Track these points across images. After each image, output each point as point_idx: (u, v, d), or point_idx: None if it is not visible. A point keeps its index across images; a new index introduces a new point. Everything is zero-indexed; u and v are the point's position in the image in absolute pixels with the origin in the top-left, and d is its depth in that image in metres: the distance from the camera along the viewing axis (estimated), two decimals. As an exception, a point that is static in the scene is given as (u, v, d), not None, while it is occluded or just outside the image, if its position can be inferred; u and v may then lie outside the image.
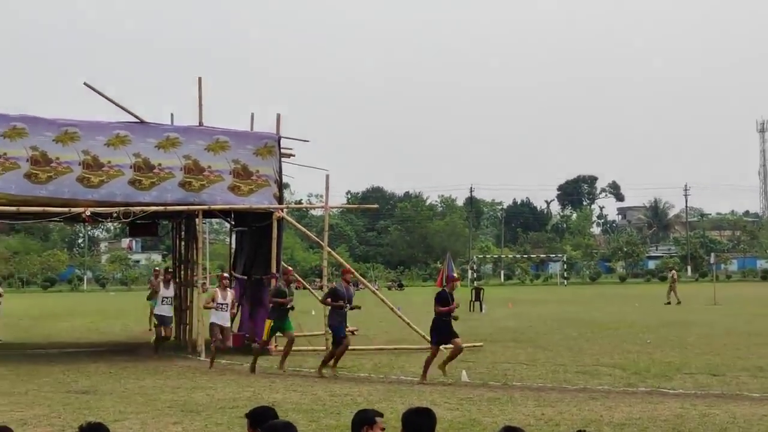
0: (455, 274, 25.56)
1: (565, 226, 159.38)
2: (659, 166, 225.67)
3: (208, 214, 25.75)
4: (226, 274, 25.15)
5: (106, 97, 23.35)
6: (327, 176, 23.16)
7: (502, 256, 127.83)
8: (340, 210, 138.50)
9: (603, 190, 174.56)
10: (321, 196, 25.24)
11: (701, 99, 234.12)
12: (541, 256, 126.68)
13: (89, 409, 14.61)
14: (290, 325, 20.57)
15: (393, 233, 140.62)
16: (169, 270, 25.14)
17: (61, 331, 34.57)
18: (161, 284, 23.92)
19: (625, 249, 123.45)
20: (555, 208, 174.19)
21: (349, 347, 24.54)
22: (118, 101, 23.59)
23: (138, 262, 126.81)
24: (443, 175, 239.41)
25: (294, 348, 24.51)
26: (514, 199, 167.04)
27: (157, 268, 36.58)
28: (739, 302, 48.50)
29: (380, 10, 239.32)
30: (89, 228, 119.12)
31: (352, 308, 19.83)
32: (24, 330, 35.10)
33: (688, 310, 41.93)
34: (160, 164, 23.22)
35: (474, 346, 25.19)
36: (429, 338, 19.34)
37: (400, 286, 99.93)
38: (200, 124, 24.21)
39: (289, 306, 20.22)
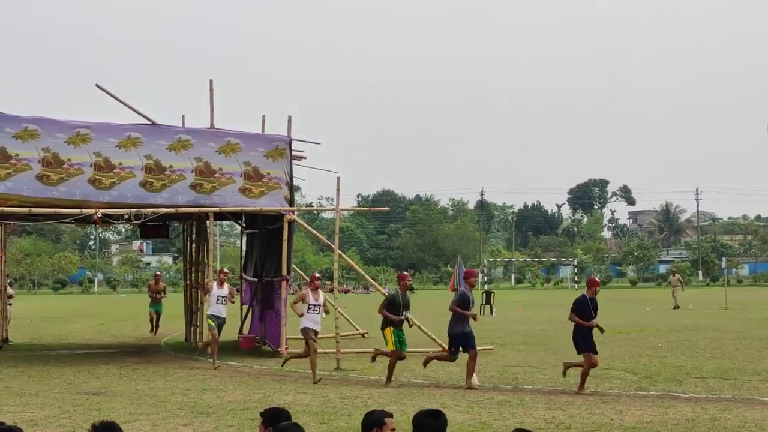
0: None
1: (576, 229, 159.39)
2: (670, 170, 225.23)
3: (219, 216, 25.76)
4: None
5: (118, 99, 23.40)
6: (338, 178, 23.15)
7: (513, 259, 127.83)
8: (351, 213, 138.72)
9: (614, 193, 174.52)
10: (332, 199, 25.26)
11: (712, 102, 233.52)
12: (552, 259, 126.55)
13: (100, 410, 14.62)
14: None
15: (404, 236, 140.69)
16: (224, 270, 23.88)
17: (72, 333, 34.65)
18: (214, 283, 22.57)
19: (636, 253, 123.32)
20: (566, 211, 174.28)
21: (358, 350, 24.62)
22: (130, 103, 23.62)
23: (149, 264, 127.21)
24: (454, 179, 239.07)
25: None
26: (525, 202, 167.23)
27: (158, 273, 37.04)
28: (750, 307, 48.32)
29: (389, 14, 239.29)
30: (100, 230, 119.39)
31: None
32: (35, 331, 35.19)
33: (700, 315, 41.80)
34: (171, 166, 23.24)
35: (484, 349, 25.15)
36: (575, 347, 17.76)
37: (411, 289, 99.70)
38: (212, 126, 24.23)
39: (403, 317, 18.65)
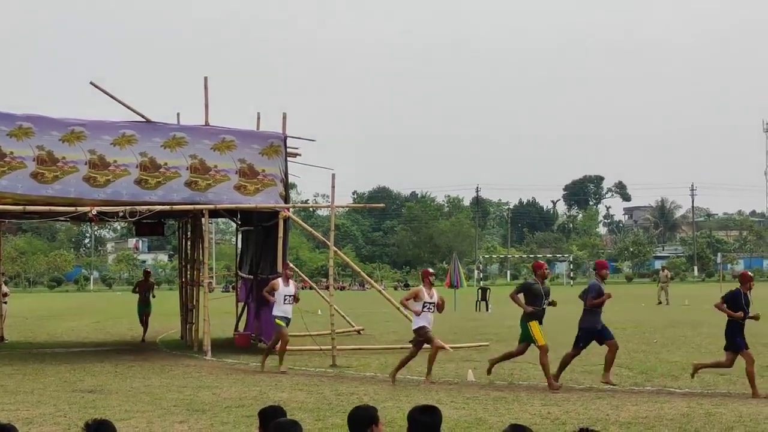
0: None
1: (571, 226, 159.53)
2: (666, 166, 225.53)
3: (214, 213, 25.75)
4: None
5: (113, 97, 23.35)
6: (333, 175, 23.13)
7: (509, 255, 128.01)
8: (346, 210, 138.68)
9: (609, 190, 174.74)
10: (327, 196, 25.15)
11: (708, 99, 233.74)
12: (548, 255, 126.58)
13: (95, 408, 14.60)
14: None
15: (399, 233, 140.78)
16: (290, 265, 22.17)
17: (68, 331, 34.61)
18: (279, 281, 20.80)
19: (632, 249, 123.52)
20: (561, 208, 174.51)
21: (354, 347, 24.61)
22: (125, 101, 23.58)
23: (144, 262, 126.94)
24: (450, 175, 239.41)
25: (300, 348, 24.58)
26: (521, 199, 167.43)
27: (148, 269, 35.82)
28: (745, 302, 48.25)
29: (385, 11, 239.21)
30: (96, 228, 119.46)
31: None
32: (30, 329, 35.15)
33: (695, 311, 41.83)
34: (166, 164, 23.20)
35: (480, 345, 25.19)
36: (730, 345, 16.34)
37: (407, 286, 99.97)
38: (206, 123, 24.19)
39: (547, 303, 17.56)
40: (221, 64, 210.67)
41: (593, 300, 17.02)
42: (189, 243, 29.74)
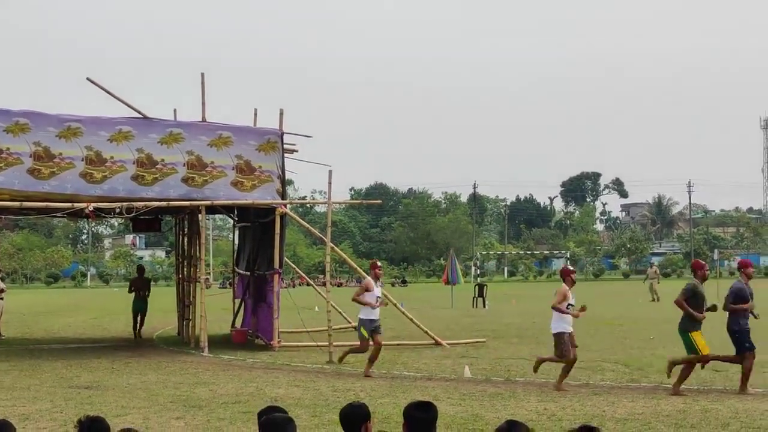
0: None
1: (568, 222, 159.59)
2: (663, 162, 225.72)
3: (211, 209, 25.72)
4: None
5: (109, 93, 23.31)
6: (330, 171, 23.14)
7: (506, 252, 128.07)
8: (343, 206, 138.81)
9: (606, 186, 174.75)
10: (324, 193, 25.16)
11: (705, 95, 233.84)
12: (545, 252, 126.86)
13: (91, 404, 14.61)
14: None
15: (397, 230, 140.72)
16: (378, 263, 20.28)
17: (64, 327, 34.59)
18: (372, 282, 19.15)
19: (629, 245, 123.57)
20: (558, 204, 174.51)
21: (351, 344, 24.62)
22: (121, 97, 23.56)
23: (141, 258, 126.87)
24: (447, 172, 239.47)
25: (297, 344, 24.60)
26: (518, 195, 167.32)
27: (142, 265, 35.24)
28: (742, 299, 48.30)
29: (383, 8, 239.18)
30: (93, 224, 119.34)
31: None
32: (27, 325, 35.13)
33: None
34: (163, 160, 23.17)
35: (477, 341, 25.21)
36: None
37: (404, 282, 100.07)
38: (203, 119, 24.16)
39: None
40: (218, 61, 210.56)
41: (732, 305, 15.98)
42: (186, 239, 29.73)
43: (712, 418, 12.88)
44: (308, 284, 36.96)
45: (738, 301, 15.87)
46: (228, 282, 67.36)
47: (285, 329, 25.74)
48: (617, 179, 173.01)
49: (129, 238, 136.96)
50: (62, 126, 22.58)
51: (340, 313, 29.43)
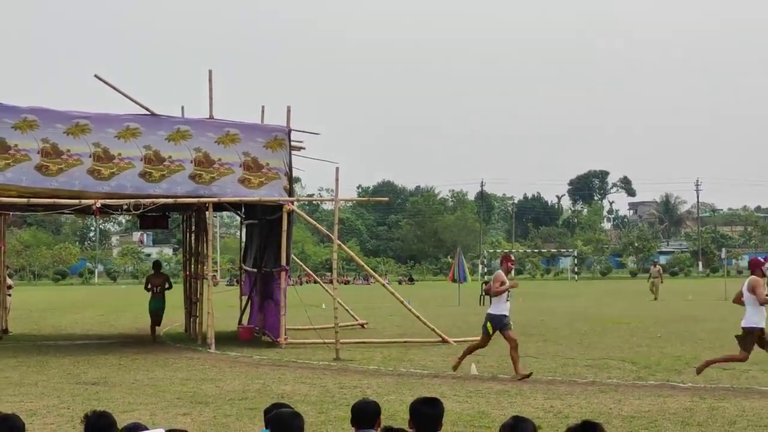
0: None
1: (576, 221, 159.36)
2: (670, 161, 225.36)
3: (219, 206, 25.75)
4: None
5: (117, 90, 23.34)
6: (337, 169, 23.12)
7: (513, 250, 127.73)
8: (350, 204, 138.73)
9: (614, 185, 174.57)
10: (331, 190, 25.15)
11: (713, 93, 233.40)
12: (552, 250, 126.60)
13: (98, 400, 14.64)
14: None
15: (404, 227, 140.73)
16: (511, 256, 18.83)
17: (72, 324, 34.67)
18: (503, 274, 17.88)
19: (636, 244, 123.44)
20: (566, 203, 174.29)
21: (357, 341, 24.62)
22: (129, 94, 23.58)
23: (149, 255, 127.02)
24: (454, 170, 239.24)
25: (304, 341, 24.63)
26: (525, 193, 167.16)
27: (159, 261, 33.85)
28: (750, 297, 48.21)
29: (390, 7, 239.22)
30: (100, 221, 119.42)
31: None
32: (34, 322, 35.21)
33: (699, 306, 41.84)
34: (170, 157, 23.20)
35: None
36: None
37: (411, 280, 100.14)
38: (211, 116, 24.17)
39: None
40: (226, 58, 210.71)
41: None
42: (193, 236, 29.75)
43: (719, 416, 12.85)
44: (315, 282, 37.01)
45: None
46: (235, 279, 67.47)
47: (292, 326, 25.75)
48: (625, 177, 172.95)
49: (136, 235, 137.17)
50: (70, 122, 22.63)
51: (347, 310, 29.48)
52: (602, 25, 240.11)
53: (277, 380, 17.34)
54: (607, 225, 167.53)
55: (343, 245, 27.25)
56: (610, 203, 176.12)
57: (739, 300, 16.27)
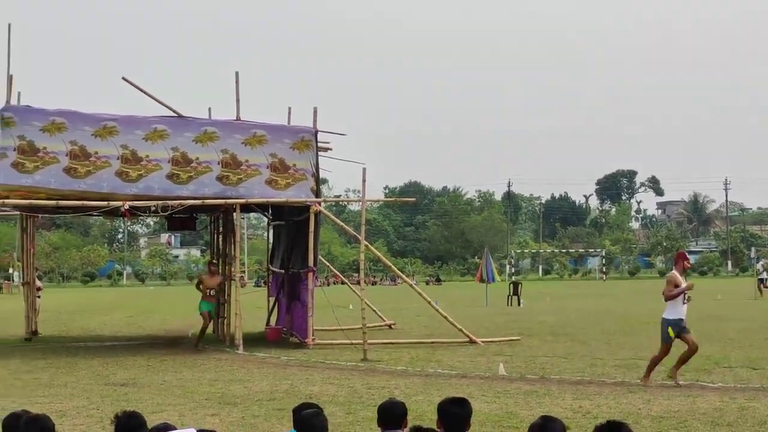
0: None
1: (603, 220, 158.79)
2: (699, 160, 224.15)
3: (246, 207, 25.81)
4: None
5: (145, 92, 23.45)
6: (364, 169, 23.12)
7: (541, 250, 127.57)
8: (377, 205, 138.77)
9: (642, 184, 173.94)
10: (358, 191, 25.15)
11: (742, 92, 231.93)
12: (580, 250, 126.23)
13: (127, 401, 14.69)
14: None
15: (431, 228, 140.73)
16: (687, 254, 17.66)
17: (101, 325, 34.82)
18: (677, 274, 16.59)
19: (665, 244, 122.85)
20: (594, 202, 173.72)
21: (385, 341, 24.61)
22: (156, 96, 23.68)
23: (177, 257, 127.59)
24: (481, 170, 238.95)
25: (332, 342, 24.64)
26: (553, 193, 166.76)
27: (214, 261, 28.87)
28: (780, 297, 47.99)
29: (418, 7, 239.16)
30: (128, 223, 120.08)
31: None
32: (63, 324, 35.39)
33: (728, 305, 41.59)
34: (197, 158, 23.29)
35: (512, 339, 25.15)
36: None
37: (438, 280, 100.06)
38: (237, 118, 24.23)
39: None
40: (253, 59, 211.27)
41: None
42: (221, 238, 29.79)
43: (749, 417, 12.76)
44: (343, 282, 37.03)
45: None
46: (263, 280, 67.55)
47: (319, 327, 25.76)
48: (653, 177, 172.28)
49: (164, 236, 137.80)
50: (98, 125, 22.76)
51: (374, 311, 29.47)
52: (630, 21, 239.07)
53: (304, 381, 17.36)
54: (635, 225, 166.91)
55: (370, 246, 27.26)
56: (638, 203, 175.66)
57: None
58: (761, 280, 50.94)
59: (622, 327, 29.42)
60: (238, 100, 24.39)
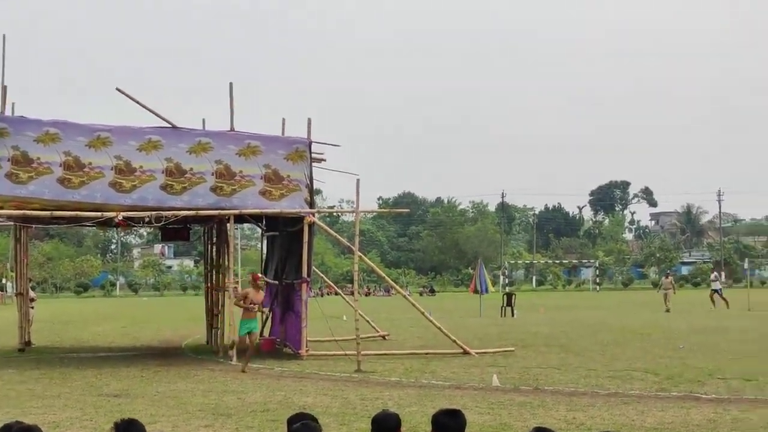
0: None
1: (597, 231, 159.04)
2: (692, 171, 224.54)
3: (240, 218, 25.80)
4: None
5: (139, 102, 23.44)
6: (357, 180, 23.13)
7: (534, 261, 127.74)
8: (371, 215, 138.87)
9: (635, 195, 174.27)
10: (352, 202, 25.15)
11: (735, 103, 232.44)
12: (573, 261, 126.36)
13: (121, 411, 14.64)
14: None
15: (425, 239, 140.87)
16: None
17: (94, 336, 34.76)
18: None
19: (658, 255, 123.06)
20: (587, 213, 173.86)
21: (379, 352, 24.60)
22: (150, 106, 23.67)
23: (170, 267, 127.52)
24: (475, 181, 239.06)
25: (325, 353, 24.63)
26: (546, 204, 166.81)
27: (258, 274, 27.25)
28: (773, 308, 48.06)
29: (411, 18, 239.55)
30: (122, 233, 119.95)
31: None
32: (57, 334, 35.32)
33: (722, 316, 41.64)
34: (191, 169, 23.28)
35: (505, 350, 25.15)
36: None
37: (432, 291, 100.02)
38: (231, 129, 24.25)
39: None
40: (246, 70, 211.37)
41: None
42: (214, 248, 29.82)
43: (743, 428, 12.78)
44: (336, 293, 36.99)
45: None
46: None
47: (313, 338, 25.75)
48: (646, 188, 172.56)
49: (158, 247, 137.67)
50: (92, 135, 22.75)
51: (368, 322, 29.47)
52: (617, 32, 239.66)
53: (298, 392, 17.35)
54: (628, 236, 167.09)
55: (364, 257, 27.25)
56: (632, 214, 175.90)
57: None
58: (715, 291, 51.58)
59: (616, 338, 29.43)
60: (232, 111, 24.41)
